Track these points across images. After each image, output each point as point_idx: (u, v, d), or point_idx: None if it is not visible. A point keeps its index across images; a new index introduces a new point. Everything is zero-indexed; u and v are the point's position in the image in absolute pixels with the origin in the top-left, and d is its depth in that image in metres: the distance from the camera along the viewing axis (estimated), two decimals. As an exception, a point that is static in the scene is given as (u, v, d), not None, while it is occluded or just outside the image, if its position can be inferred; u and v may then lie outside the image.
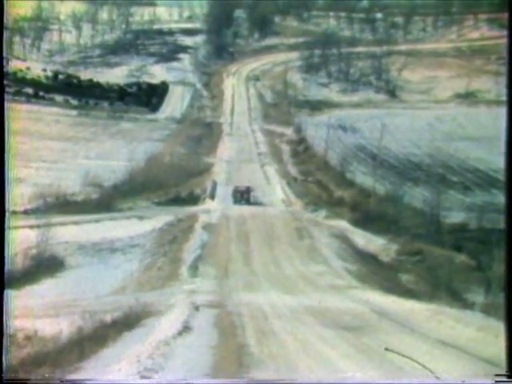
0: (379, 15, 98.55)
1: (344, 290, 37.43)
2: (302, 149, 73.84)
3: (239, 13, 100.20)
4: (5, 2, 19.73)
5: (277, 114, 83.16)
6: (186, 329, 28.51)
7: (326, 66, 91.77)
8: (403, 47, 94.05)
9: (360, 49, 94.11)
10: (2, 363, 21.08)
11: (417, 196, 58.05)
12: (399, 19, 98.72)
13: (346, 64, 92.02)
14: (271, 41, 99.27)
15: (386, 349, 22.73)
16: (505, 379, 19.73)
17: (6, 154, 20.01)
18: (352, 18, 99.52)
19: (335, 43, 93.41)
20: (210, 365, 23.79)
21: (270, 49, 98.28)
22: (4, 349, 21.35)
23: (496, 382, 19.63)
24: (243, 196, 58.24)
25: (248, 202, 58.04)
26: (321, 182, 63.12)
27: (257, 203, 58.63)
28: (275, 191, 62.91)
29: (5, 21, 20.06)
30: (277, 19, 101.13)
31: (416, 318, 30.47)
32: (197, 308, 32.12)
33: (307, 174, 66.78)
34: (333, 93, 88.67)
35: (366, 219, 52.47)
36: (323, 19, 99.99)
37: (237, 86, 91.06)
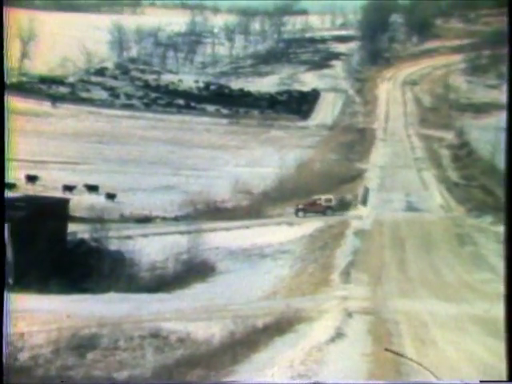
0: None
1: (516, 299, 34.58)
2: (464, 153, 70.46)
3: (396, 17, 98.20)
4: (4, 8, 19.62)
5: (435, 118, 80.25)
6: (338, 335, 27.95)
7: (496, 66, 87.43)
8: None
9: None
10: (3, 367, 20.76)
11: None
12: None
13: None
14: (431, 44, 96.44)
15: (386, 349, 22.26)
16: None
17: (4, 156, 19.91)
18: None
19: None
20: (364, 372, 23.19)
21: (429, 52, 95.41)
22: (4, 351, 21.07)
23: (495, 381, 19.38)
24: (300, 209, 55.06)
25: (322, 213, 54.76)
26: (486, 187, 59.38)
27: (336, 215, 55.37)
28: (433, 197, 60.25)
29: (4, 22, 19.98)
30: (438, 22, 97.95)
31: None
32: (350, 314, 31.27)
33: (470, 178, 63.43)
34: (504, 94, 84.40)
35: (542, 225, 48.67)
36: (495, 18, 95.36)
37: (392, 91, 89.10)
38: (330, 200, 55.42)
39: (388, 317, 31.02)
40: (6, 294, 20.26)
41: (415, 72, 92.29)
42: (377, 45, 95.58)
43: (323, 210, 54.86)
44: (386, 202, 57.78)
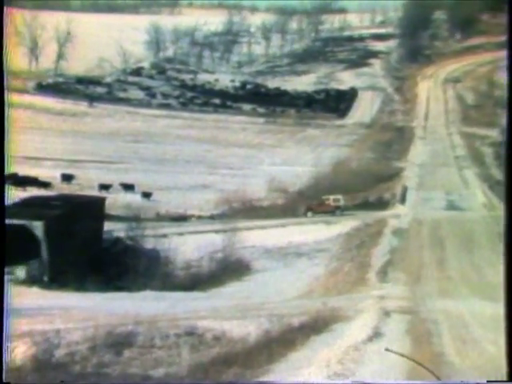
0: None
1: None
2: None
3: (439, 14, 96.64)
4: (5, 8, 19.47)
5: (479, 116, 78.82)
6: (376, 335, 27.63)
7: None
8: None
9: None
10: (2, 366, 20.47)
11: None
12: None
13: None
14: (476, 41, 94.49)
15: (387, 349, 21.95)
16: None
17: (4, 152, 19.74)
18: None
19: None
20: (403, 372, 22.54)
21: (473, 49, 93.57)
22: (4, 351, 20.78)
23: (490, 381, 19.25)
24: (309, 209, 53.98)
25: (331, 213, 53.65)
26: (532, 185, 58.03)
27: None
28: (475, 195, 59.12)
29: (4, 23, 19.84)
30: (484, 17, 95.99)
31: None
32: (387, 314, 30.77)
33: None
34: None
35: None
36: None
37: (433, 89, 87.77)
38: (338, 200, 54.63)
39: (427, 316, 30.50)
40: (6, 294, 20.05)
41: (458, 69, 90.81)
42: (418, 42, 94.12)
43: (332, 210, 54.20)
44: (425, 201, 56.91)
